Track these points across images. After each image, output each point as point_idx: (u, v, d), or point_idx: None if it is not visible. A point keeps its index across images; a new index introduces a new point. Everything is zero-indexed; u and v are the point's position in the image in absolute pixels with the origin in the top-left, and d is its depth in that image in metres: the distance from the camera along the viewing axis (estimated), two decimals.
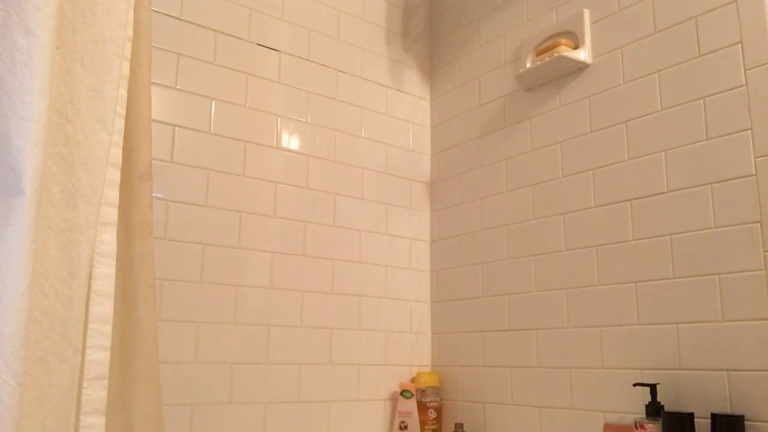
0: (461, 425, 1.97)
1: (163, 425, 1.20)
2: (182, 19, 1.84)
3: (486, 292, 2.04)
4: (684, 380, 1.48)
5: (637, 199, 1.63)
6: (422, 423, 2.06)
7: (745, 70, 1.46)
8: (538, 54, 1.93)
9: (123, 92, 1.09)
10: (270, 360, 1.86)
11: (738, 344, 1.40)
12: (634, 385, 1.52)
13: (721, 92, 1.49)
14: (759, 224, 1.39)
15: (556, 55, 1.84)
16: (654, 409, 1.45)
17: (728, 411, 1.38)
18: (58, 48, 0.92)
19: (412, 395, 2.06)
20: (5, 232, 0.81)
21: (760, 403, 1.34)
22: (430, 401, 2.09)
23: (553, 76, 1.90)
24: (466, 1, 2.31)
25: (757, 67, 1.43)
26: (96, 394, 0.99)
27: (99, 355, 1.01)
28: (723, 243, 1.45)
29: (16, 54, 0.84)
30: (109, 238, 1.04)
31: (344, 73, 2.19)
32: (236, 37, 1.95)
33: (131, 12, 1.11)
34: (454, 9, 2.36)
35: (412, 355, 2.18)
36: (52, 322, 0.92)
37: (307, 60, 2.10)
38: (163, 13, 1.79)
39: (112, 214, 1.05)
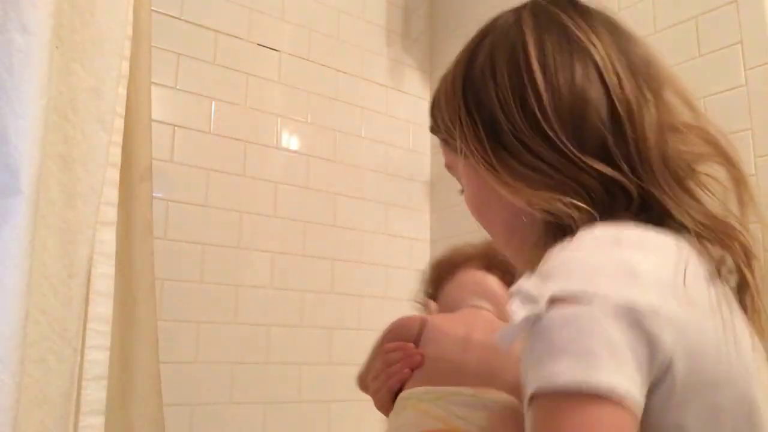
0: None
1: (163, 425, 1.20)
2: (182, 19, 1.84)
3: None
4: None
5: None
6: None
7: (745, 70, 1.45)
8: None
9: (122, 91, 1.09)
10: (270, 360, 1.85)
11: None
12: None
13: (721, 92, 1.49)
14: (758, 224, 1.38)
15: None
16: None
17: None
18: (57, 47, 0.92)
19: None
20: (3, 232, 0.81)
21: None
22: None
23: None
24: (466, 1, 2.31)
25: (757, 67, 1.43)
26: (95, 394, 0.98)
27: (98, 355, 1.00)
28: None
29: (13, 53, 0.84)
30: (108, 237, 1.04)
31: (344, 73, 2.19)
32: (236, 37, 1.95)
33: (131, 11, 1.11)
34: (454, 9, 2.36)
35: None
36: (52, 322, 0.92)
37: (307, 60, 2.10)
38: (163, 13, 1.79)
39: (111, 213, 1.05)
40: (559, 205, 0.57)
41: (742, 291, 0.59)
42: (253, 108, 1.95)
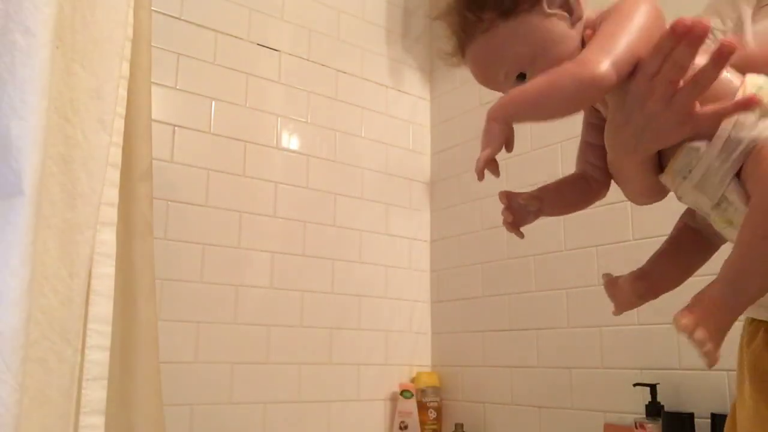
0: (461, 425, 1.97)
1: (163, 425, 1.20)
2: (182, 19, 1.84)
3: (486, 292, 2.04)
4: (684, 380, 1.48)
5: None
6: (422, 423, 2.06)
7: None
8: None
9: (123, 92, 1.10)
10: (270, 360, 1.86)
11: (738, 344, 1.39)
12: (634, 385, 1.51)
13: None
14: None
15: None
16: (654, 409, 1.45)
17: (728, 411, 1.38)
18: (57, 48, 0.92)
19: (412, 395, 2.06)
20: (5, 232, 0.81)
21: None
22: (430, 401, 2.09)
23: None
24: None
25: None
26: (96, 394, 0.99)
27: (99, 355, 1.01)
28: None
29: (15, 54, 0.84)
30: (108, 238, 1.04)
31: (344, 73, 2.19)
32: (236, 37, 1.95)
33: (131, 12, 1.11)
34: None
35: (412, 355, 2.18)
36: (52, 322, 0.92)
37: (307, 60, 2.10)
38: (163, 13, 1.79)
39: (111, 214, 1.05)
40: None
41: None
42: (253, 108, 1.95)
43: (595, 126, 0.74)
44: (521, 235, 0.75)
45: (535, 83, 0.64)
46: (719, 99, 0.60)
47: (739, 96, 0.61)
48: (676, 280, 0.79)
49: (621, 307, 0.80)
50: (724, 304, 0.59)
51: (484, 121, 0.66)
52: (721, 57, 0.57)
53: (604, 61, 0.60)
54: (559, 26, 0.67)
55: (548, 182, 0.81)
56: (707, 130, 0.61)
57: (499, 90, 0.73)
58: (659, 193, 0.74)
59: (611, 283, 0.80)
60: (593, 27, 0.66)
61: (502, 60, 0.69)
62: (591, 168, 0.76)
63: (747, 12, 0.72)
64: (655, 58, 0.59)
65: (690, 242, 0.78)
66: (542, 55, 0.67)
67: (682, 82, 0.59)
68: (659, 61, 0.59)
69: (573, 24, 0.67)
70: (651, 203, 0.77)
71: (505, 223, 0.75)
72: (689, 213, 0.78)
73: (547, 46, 0.67)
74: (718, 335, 0.58)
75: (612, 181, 0.77)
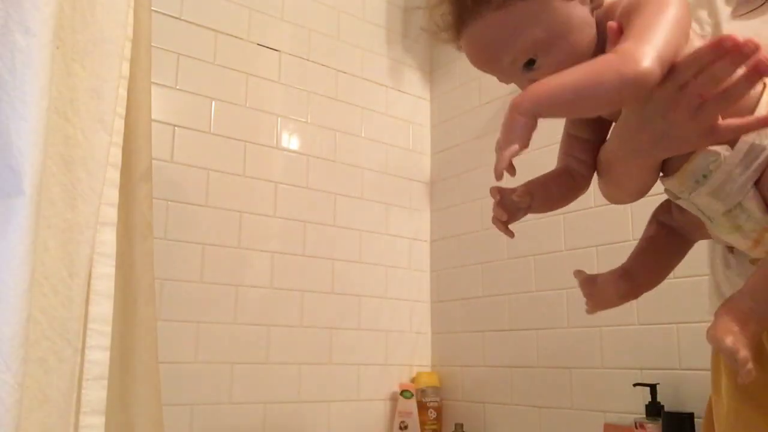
0: (461, 425, 1.96)
1: (162, 425, 1.20)
2: (182, 19, 1.84)
3: (486, 292, 2.04)
4: (684, 380, 1.47)
5: None
6: (422, 423, 2.06)
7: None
8: None
9: (123, 92, 1.10)
10: (270, 360, 1.85)
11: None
12: (634, 385, 1.51)
13: None
14: None
15: None
16: (654, 409, 1.45)
17: None
18: (57, 48, 0.92)
19: (412, 395, 2.06)
20: (6, 232, 0.82)
21: None
22: (430, 401, 2.09)
23: None
24: None
25: None
26: (95, 394, 0.99)
27: (99, 355, 1.01)
28: None
29: (16, 54, 0.84)
30: (108, 238, 1.04)
31: (344, 73, 2.19)
32: (236, 37, 1.95)
33: (131, 12, 1.12)
34: None
35: (412, 355, 2.18)
36: (52, 322, 0.92)
37: (307, 60, 2.10)
38: (163, 13, 1.78)
39: (111, 214, 1.05)
40: None
41: None
42: (253, 108, 1.95)
43: (584, 120, 0.72)
44: (511, 234, 0.72)
45: (572, 75, 0.58)
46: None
47: (764, 104, 0.58)
48: (656, 278, 0.78)
49: (598, 306, 0.76)
50: (754, 319, 0.58)
51: (508, 113, 0.60)
52: (757, 72, 0.54)
53: (647, 57, 0.55)
54: (580, 12, 0.63)
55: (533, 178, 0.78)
56: (727, 141, 0.59)
57: (497, 75, 0.68)
58: (646, 193, 0.72)
59: (588, 282, 0.76)
60: (612, 16, 0.63)
61: (513, 43, 0.63)
62: (576, 162, 0.74)
63: (725, 16, 0.71)
64: (689, 67, 0.56)
65: (667, 240, 0.76)
66: (559, 42, 0.62)
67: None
68: (693, 71, 0.56)
69: (592, 11, 0.64)
70: (630, 203, 0.76)
71: (497, 221, 0.72)
72: (664, 211, 0.76)
73: (566, 32, 0.62)
74: (751, 349, 0.57)
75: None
